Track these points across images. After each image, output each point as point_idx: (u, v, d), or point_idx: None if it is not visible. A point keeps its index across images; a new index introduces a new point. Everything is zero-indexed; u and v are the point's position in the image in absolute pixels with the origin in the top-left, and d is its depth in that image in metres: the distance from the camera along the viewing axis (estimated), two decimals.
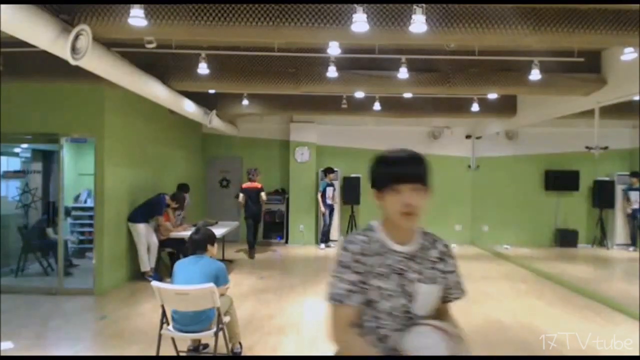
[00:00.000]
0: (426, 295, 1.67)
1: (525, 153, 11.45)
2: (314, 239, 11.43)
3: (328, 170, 10.81)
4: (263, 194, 9.85)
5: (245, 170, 11.70)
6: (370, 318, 1.66)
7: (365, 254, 1.64)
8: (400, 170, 1.61)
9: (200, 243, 4.16)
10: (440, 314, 1.76)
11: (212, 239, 4.26)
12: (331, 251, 10.39)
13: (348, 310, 1.62)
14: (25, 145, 8.06)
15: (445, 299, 1.77)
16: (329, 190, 10.78)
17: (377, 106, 8.60)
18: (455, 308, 1.85)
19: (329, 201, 10.79)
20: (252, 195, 9.80)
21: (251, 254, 9.72)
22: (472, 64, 6.58)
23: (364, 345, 1.62)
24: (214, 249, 4.26)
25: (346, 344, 1.63)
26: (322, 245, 10.85)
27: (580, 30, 4.33)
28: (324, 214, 10.81)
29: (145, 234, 7.40)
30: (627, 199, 10.71)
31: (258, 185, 9.89)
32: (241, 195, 9.80)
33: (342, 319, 1.62)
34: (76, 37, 3.99)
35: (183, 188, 8.56)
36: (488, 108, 8.81)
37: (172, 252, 8.05)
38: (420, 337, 1.59)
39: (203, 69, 5.96)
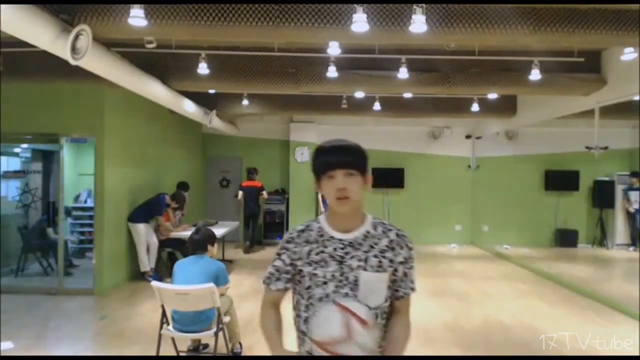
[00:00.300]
0: (369, 284, 1.66)
1: (525, 153, 11.45)
2: None
3: None
4: (264, 193, 10.19)
5: (246, 170, 11.77)
6: (305, 305, 1.70)
7: (296, 242, 1.73)
8: (333, 158, 1.67)
9: (200, 243, 4.16)
10: (394, 312, 1.76)
11: (212, 239, 4.26)
12: None
13: (272, 292, 1.78)
14: (25, 145, 8.07)
15: (394, 295, 1.75)
16: None
17: (377, 106, 8.60)
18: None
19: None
20: (252, 193, 10.07)
21: (246, 249, 10.00)
22: (472, 64, 6.57)
23: (270, 328, 1.76)
24: (214, 249, 4.26)
25: (261, 322, 1.79)
26: None
27: (580, 30, 4.33)
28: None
29: (145, 234, 7.40)
30: (627, 199, 10.71)
31: (258, 183, 10.20)
32: (240, 193, 10.11)
33: (266, 299, 1.79)
34: (76, 37, 3.99)
35: (183, 186, 8.56)
36: (488, 108, 8.81)
37: (171, 252, 8.06)
38: (321, 313, 1.59)
39: (203, 69, 5.96)
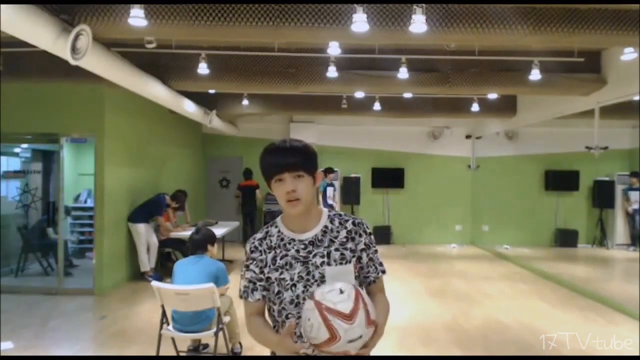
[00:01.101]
0: (334, 277, 1.65)
1: (525, 153, 11.45)
2: None
3: (328, 170, 10.83)
4: (258, 192, 10.60)
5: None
6: (277, 311, 1.71)
7: (259, 250, 1.74)
8: (280, 160, 1.65)
9: (200, 243, 4.16)
10: (370, 296, 1.71)
11: (212, 239, 4.26)
12: None
13: (252, 304, 1.75)
14: (25, 145, 8.07)
15: (365, 281, 1.77)
16: (330, 190, 10.80)
17: (377, 106, 8.60)
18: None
19: (329, 201, 10.80)
20: (248, 192, 10.56)
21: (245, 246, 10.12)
22: (472, 64, 6.58)
23: (260, 327, 1.73)
24: (214, 249, 4.26)
25: (249, 330, 1.76)
26: None
27: (580, 30, 4.33)
28: None
29: (145, 234, 7.40)
30: (626, 198, 10.71)
31: (254, 182, 10.60)
32: (237, 192, 10.74)
33: (249, 313, 1.77)
34: (76, 37, 3.99)
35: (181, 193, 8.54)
36: (488, 108, 8.81)
37: (169, 252, 8.07)
38: (304, 316, 1.54)
39: (203, 69, 5.96)
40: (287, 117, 11.56)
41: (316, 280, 1.67)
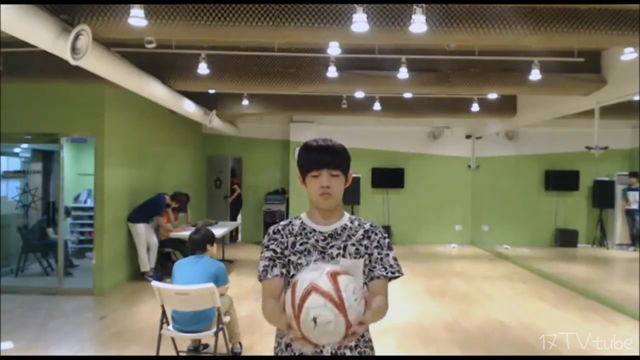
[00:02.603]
0: (349, 269, 1.65)
1: (525, 153, 11.44)
2: None
3: None
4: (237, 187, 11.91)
5: (245, 170, 11.87)
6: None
7: (281, 233, 1.84)
8: (320, 158, 1.76)
9: (199, 243, 4.16)
10: (370, 294, 1.71)
11: (211, 239, 4.26)
12: None
13: (270, 283, 1.76)
14: (25, 145, 8.07)
15: (369, 275, 1.80)
16: None
17: (377, 106, 8.60)
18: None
19: None
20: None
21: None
22: (472, 64, 6.57)
23: (274, 309, 1.64)
24: (213, 249, 4.26)
25: (264, 312, 1.73)
26: None
27: (580, 30, 4.33)
28: None
29: (145, 234, 7.40)
30: (625, 198, 10.70)
31: (236, 181, 11.73)
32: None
33: (266, 293, 1.76)
34: (76, 37, 3.99)
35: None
36: (488, 108, 8.81)
37: (169, 251, 8.07)
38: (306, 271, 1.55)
39: (203, 69, 5.96)
40: (287, 117, 11.56)
41: None
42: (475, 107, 8.62)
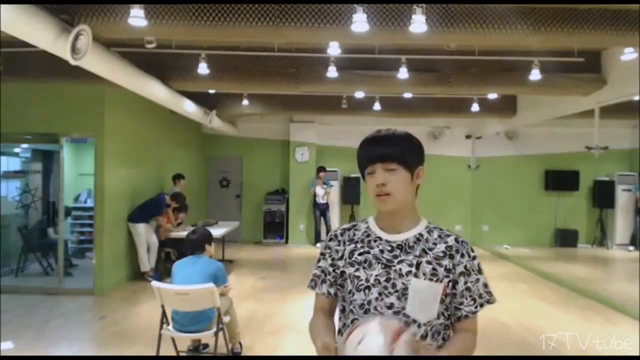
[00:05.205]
0: (419, 294, 1.43)
1: (525, 153, 11.45)
2: (314, 239, 11.43)
3: (320, 169, 10.79)
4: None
5: (245, 170, 11.81)
6: (346, 314, 1.52)
7: (339, 240, 1.57)
8: (372, 150, 1.51)
9: (197, 243, 4.16)
10: (454, 334, 1.50)
11: (209, 238, 4.26)
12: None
13: (318, 296, 1.60)
14: (25, 145, 8.06)
15: (455, 314, 1.49)
16: (319, 189, 10.74)
17: (377, 106, 8.60)
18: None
19: (321, 200, 10.75)
20: None
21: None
22: (472, 64, 6.57)
23: (317, 325, 1.53)
24: (211, 249, 4.26)
25: (310, 328, 1.56)
26: (318, 245, 10.86)
27: (580, 30, 4.33)
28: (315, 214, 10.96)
29: (145, 234, 7.40)
30: (637, 198, 10.68)
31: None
32: None
33: (316, 307, 1.61)
34: (76, 37, 3.99)
35: (177, 177, 8.53)
36: (488, 108, 8.81)
37: (169, 251, 8.06)
38: (359, 328, 1.30)
39: (203, 69, 5.96)
40: (287, 117, 11.55)
41: (397, 291, 1.44)
42: (475, 107, 8.61)
